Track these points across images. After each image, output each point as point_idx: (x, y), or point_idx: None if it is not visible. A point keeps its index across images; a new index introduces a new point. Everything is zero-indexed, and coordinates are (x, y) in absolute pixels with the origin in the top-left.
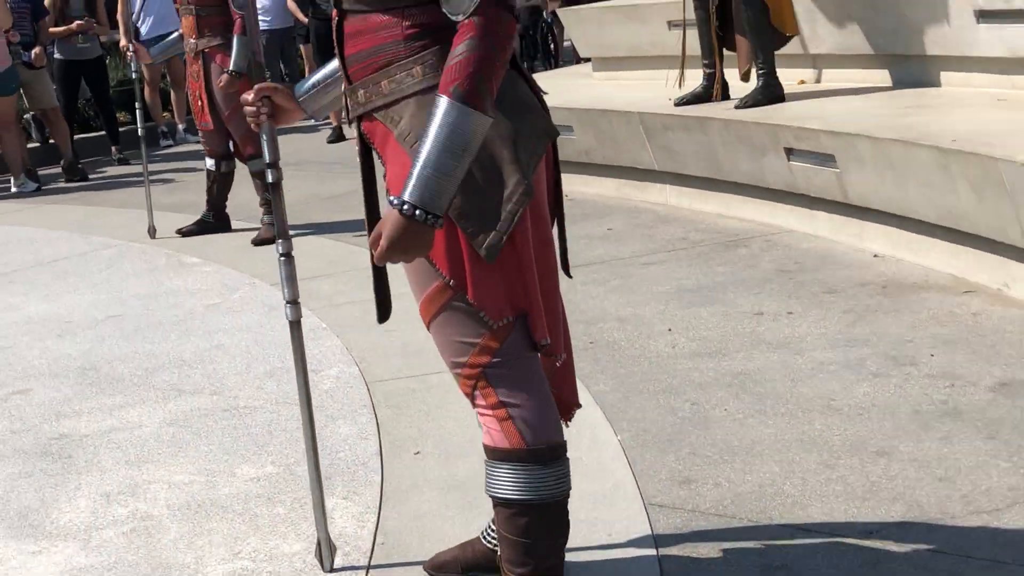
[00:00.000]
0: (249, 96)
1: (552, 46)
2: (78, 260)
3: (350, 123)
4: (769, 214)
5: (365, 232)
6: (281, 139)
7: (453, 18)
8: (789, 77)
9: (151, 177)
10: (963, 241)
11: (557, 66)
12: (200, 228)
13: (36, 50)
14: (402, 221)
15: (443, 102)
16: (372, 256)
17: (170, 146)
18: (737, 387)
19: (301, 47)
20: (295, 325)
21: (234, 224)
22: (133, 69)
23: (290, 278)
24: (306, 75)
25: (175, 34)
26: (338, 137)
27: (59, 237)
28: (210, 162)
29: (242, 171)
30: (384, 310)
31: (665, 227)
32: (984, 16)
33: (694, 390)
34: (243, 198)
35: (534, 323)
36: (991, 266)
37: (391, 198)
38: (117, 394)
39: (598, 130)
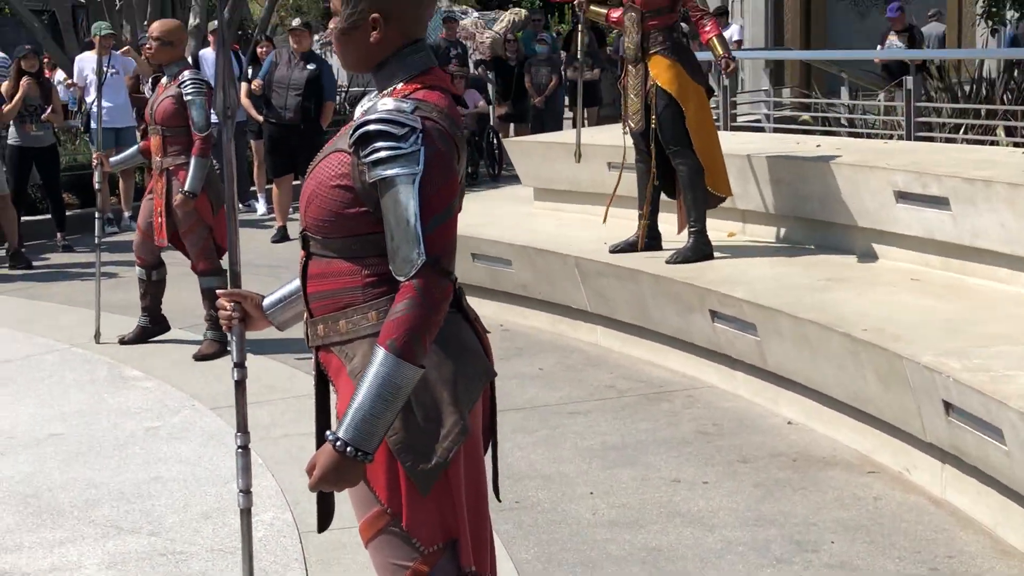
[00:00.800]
0: (223, 297)
1: (497, 152)
2: (21, 364)
3: (309, 346)
4: (694, 367)
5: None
6: None
7: (397, 278)
8: (720, 228)
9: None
10: (870, 422)
11: (500, 171)
12: (140, 336)
13: None
14: (335, 455)
15: (380, 353)
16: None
17: (115, 233)
18: (651, 564)
19: (251, 142)
20: (245, 513)
21: (177, 331)
22: (97, 180)
23: (245, 469)
24: (254, 170)
25: (134, 148)
26: (283, 237)
27: (2, 336)
28: (140, 271)
29: (188, 278)
30: (324, 520)
31: (595, 371)
32: (903, 197)
33: (611, 564)
34: (184, 303)
35: (463, 550)
36: (895, 449)
37: (328, 432)
38: (58, 528)
39: (535, 267)
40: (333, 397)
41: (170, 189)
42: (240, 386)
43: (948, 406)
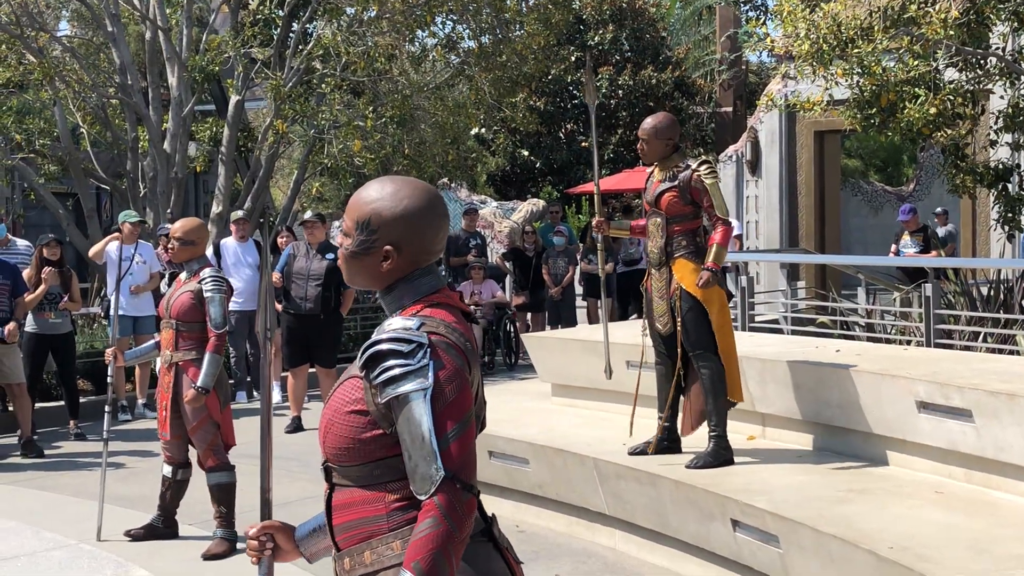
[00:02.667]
0: (252, 531)
1: (514, 341)
2: (27, 562)
3: None
4: None
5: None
6: (237, 424)
7: (418, 497)
8: (740, 431)
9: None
10: None
11: (517, 360)
12: (149, 533)
13: (10, 326)
14: None
15: None
16: None
17: (128, 420)
18: None
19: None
20: None
21: (186, 527)
22: (109, 374)
23: None
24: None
25: (151, 342)
26: (296, 427)
27: (9, 529)
28: (168, 469)
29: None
30: None
31: None
32: (925, 407)
33: None
34: (193, 498)
35: None
36: None
37: None
38: None
39: (553, 467)
40: None
41: (179, 384)
42: None
43: None
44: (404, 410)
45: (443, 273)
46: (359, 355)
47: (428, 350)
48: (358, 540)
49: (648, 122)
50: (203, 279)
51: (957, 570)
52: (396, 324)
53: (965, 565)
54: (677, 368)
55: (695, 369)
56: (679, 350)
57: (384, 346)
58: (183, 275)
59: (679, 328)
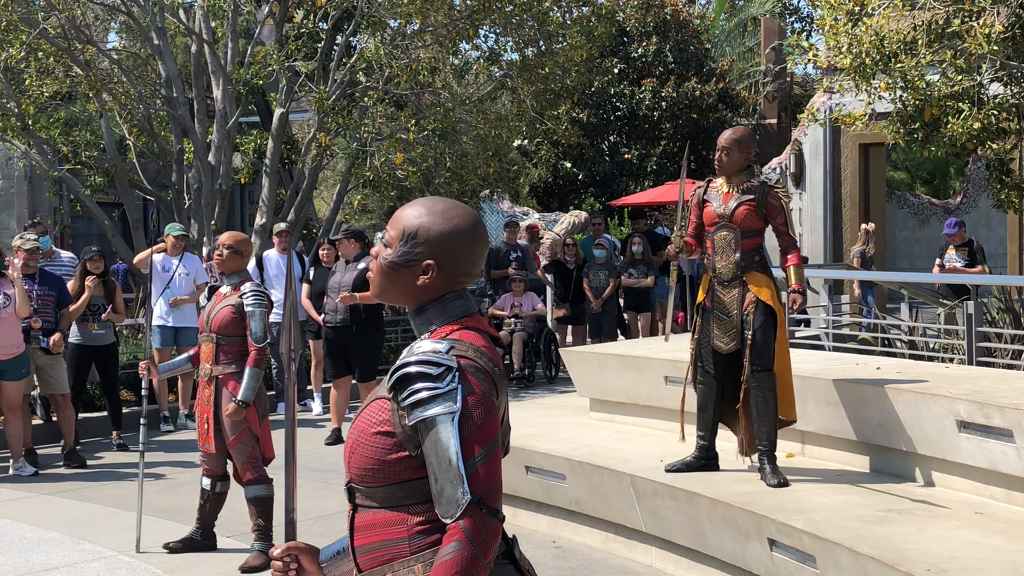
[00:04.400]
0: (277, 552)
1: (554, 355)
2: (67, 573)
3: None
4: None
5: None
6: (276, 435)
7: (444, 520)
8: (779, 448)
9: (146, 470)
10: None
11: (557, 374)
12: (187, 546)
13: (55, 337)
14: None
15: None
16: None
17: (170, 431)
18: None
19: (311, 342)
20: None
21: (224, 539)
22: (144, 387)
23: None
24: (312, 368)
25: (184, 356)
26: (336, 439)
27: (50, 539)
28: (207, 481)
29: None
30: None
31: None
32: (965, 427)
33: None
34: (232, 510)
35: None
36: None
37: None
38: None
39: (590, 483)
40: None
41: (218, 398)
42: None
43: None
44: (431, 433)
45: (484, 285)
46: (388, 376)
47: (457, 374)
48: (379, 563)
49: (729, 134)
50: (244, 293)
51: None
52: (426, 347)
53: None
54: (720, 387)
55: (747, 388)
56: (744, 367)
57: (413, 368)
58: (224, 288)
59: (748, 344)
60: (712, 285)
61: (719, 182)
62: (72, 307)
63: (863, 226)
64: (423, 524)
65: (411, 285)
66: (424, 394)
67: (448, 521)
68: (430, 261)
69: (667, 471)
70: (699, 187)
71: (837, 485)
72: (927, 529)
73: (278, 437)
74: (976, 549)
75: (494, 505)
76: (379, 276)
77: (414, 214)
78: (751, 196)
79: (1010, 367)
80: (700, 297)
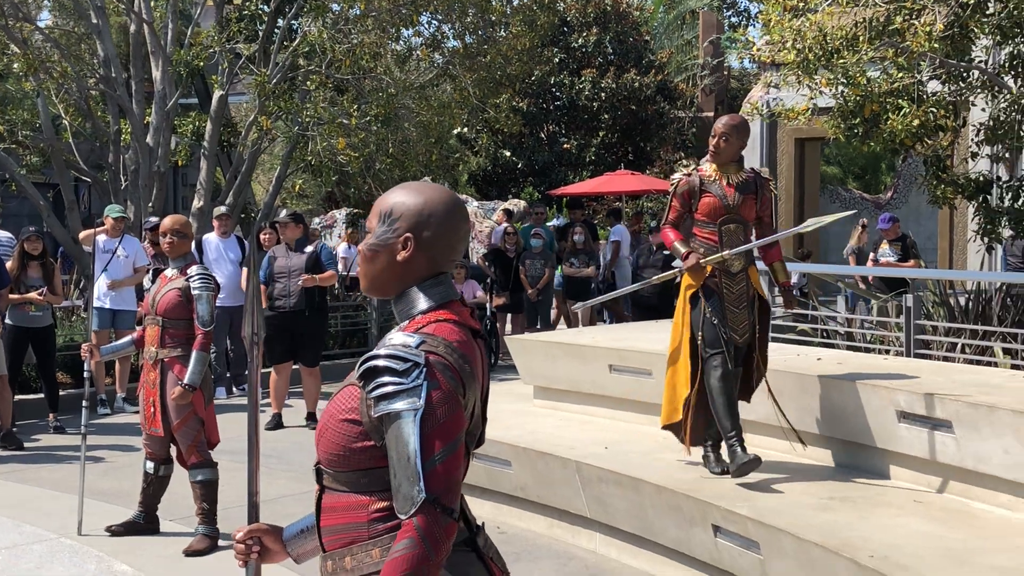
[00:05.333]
0: (239, 534)
1: (495, 341)
2: (7, 555)
3: None
4: None
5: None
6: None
7: (399, 516)
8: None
9: (86, 453)
10: None
11: (497, 360)
12: (129, 529)
13: None
14: None
15: None
16: None
17: (107, 414)
18: None
19: None
20: None
21: (167, 522)
22: (86, 368)
23: None
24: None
25: (128, 338)
26: (277, 424)
27: None
28: (150, 465)
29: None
30: None
31: None
32: (905, 417)
33: None
34: (175, 494)
35: None
36: None
37: None
38: None
39: (535, 469)
40: None
41: (164, 381)
42: None
43: None
44: (393, 428)
45: None
46: (358, 365)
47: (424, 370)
48: (340, 545)
49: (728, 120)
50: (191, 276)
51: None
52: (397, 340)
53: (943, 575)
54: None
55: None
56: (754, 360)
57: (381, 362)
58: (169, 271)
59: (758, 338)
60: (720, 276)
61: (710, 170)
62: (7, 293)
63: (860, 223)
64: (383, 511)
65: (394, 265)
66: (390, 388)
67: (403, 517)
68: (408, 234)
69: (741, 473)
70: (685, 175)
71: (780, 473)
72: (869, 517)
73: (224, 421)
74: (916, 536)
75: (450, 504)
76: (365, 264)
77: (390, 196)
78: (753, 191)
79: (946, 359)
80: (690, 284)
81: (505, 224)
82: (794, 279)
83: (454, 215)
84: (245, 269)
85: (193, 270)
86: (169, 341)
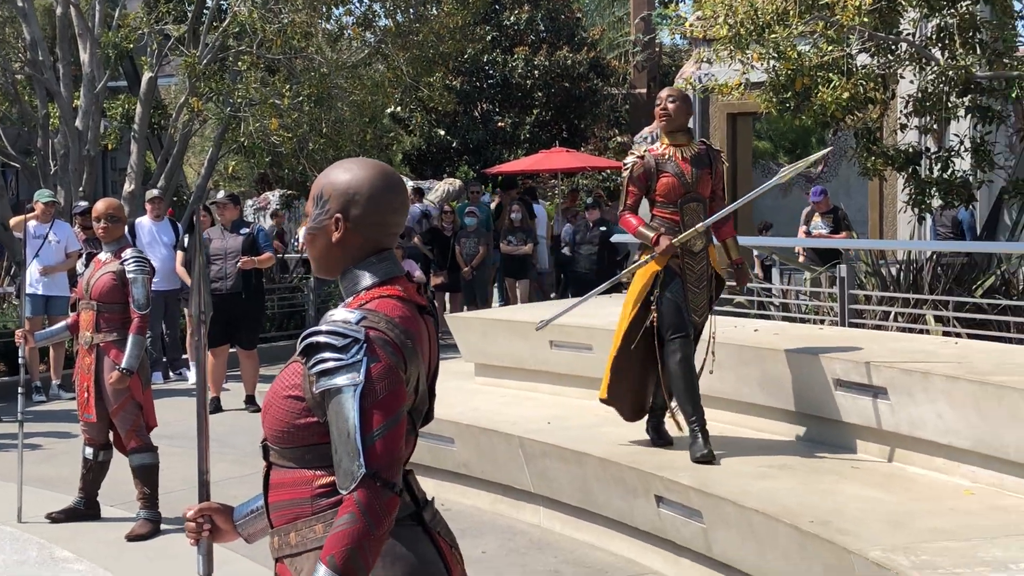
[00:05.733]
0: (190, 512)
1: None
2: None
3: (275, 560)
4: (639, 552)
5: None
6: (154, 404)
7: (340, 491)
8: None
9: (23, 440)
10: None
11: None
12: (70, 516)
13: None
14: None
15: (321, 569)
16: None
17: (43, 402)
18: None
19: (186, 311)
20: None
21: (108, 508)
22: (20, 355)
23: None
24: (187, 338)
25: (62, 324)
26: (215, 408)
27: None
28: (89, 451)
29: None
30: None
31: (539, 555)
32: (842, 385)
33: None
34: (115, 479)
35: None
36: None
37: None
38: None
39: (478, 446)
40: None
41: (100, 366)
42: None
43: None
44: (334, 403)
45: None
46: (299, 341)
47: (364, 346)
48: (286, 521)
49: (669, 88)
50: (125, 259)
51: (875, 544)
52: (337, 316)
53: (882, 539)
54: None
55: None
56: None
57: (321, 338)
58: (103, 255)
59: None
60: (681, 256)
61: (662, 148)
62: None
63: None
64: (326, 487)
65: (331, 247)
66: (330, 364)
67: (344, 493)
68: (337, 215)
69: (697, 462)
70: (639, 157)
71: (720, 443)
72: (809, 483)
73: (162, 405)
74: (855, 501)
75: (390, 479)
76: (309, 248)
77: (321, 178)
78: (709, 166)
79: (879, 328)
80: (654, 267)
81: (423, 205)
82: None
83: (382, 191)
84: (180, 252)
85: (127, 253)
86: (104, 326)
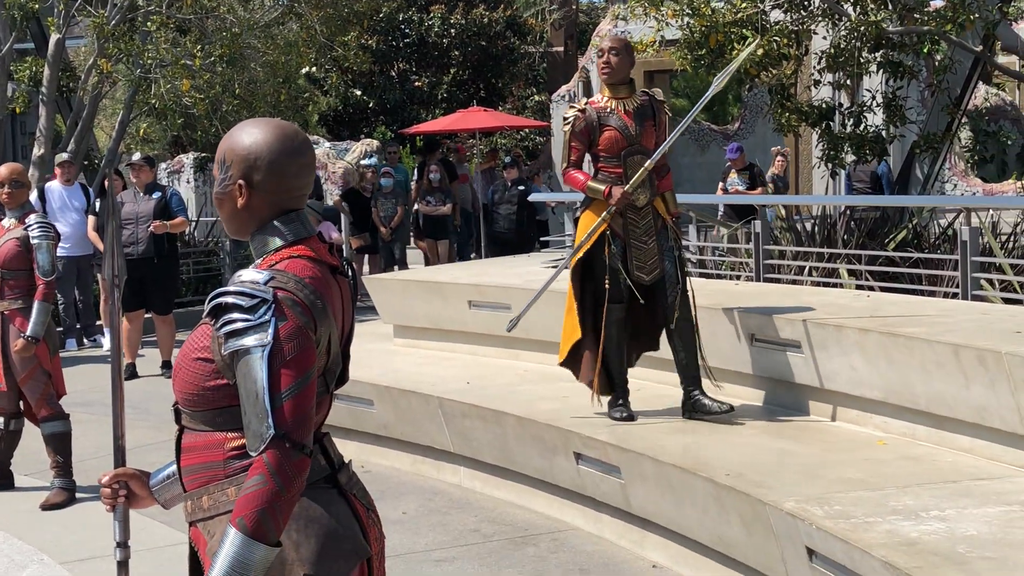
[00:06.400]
0: (105, 478)
1: (354, 282)
2: None
3: (189, 524)
4: (559, 509)
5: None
6: (68, 371)
7: (250, 453)
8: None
9: None
10: (735, 566)
11: (356, 302)
12: None
13: None
14: None
15: (231, 532)
16: None
17: None
18: None
19: (99, 276)
20: None
21: (21, 477)
22: None
23: None
24: (101, 304)
25: None
26: (132, 375)
27: None
28: None
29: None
30: None
31: (459, 514)
32: (757, 340)
33: None
34: (27, 448)
35: None
36: None
37: None
38: None
39: (397, 407)
40: None
41: (5, 334)
42: (123, 567)
43: (811, 553)
44: (242, 364)
45: None
46: (206, 302)
47: (272, 306)
48: (198, 484)
49: (616, 38)
50: (29, 225)
51: (789, 494)
52: (246, 276)
53: (798, 489)
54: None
55: (676, 319)
56: (667, 298)
57: (229, 298)
58: (6, 221)
59: (668, 273)
60: (624, 214)
61: (602, 100)
62: None
63: (782, 151)
64: (238, 449)
65: (237, 211)
66: (238, 324)
67: (253, 454)
68: (240, 181)
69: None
70: (579, 110)
71: (637, 399)
72: (724, 438)
73: (74, 373)
74: (770, 454)
75: (300, 440)
76: (219, 211)
77: (224, 142)
78: (652, 117)
79: (794, 283)
80: (599, 228)
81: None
82: None
83: (283, 155)
84: (92, 217)
85: (32, 219)
86: (9, 293)
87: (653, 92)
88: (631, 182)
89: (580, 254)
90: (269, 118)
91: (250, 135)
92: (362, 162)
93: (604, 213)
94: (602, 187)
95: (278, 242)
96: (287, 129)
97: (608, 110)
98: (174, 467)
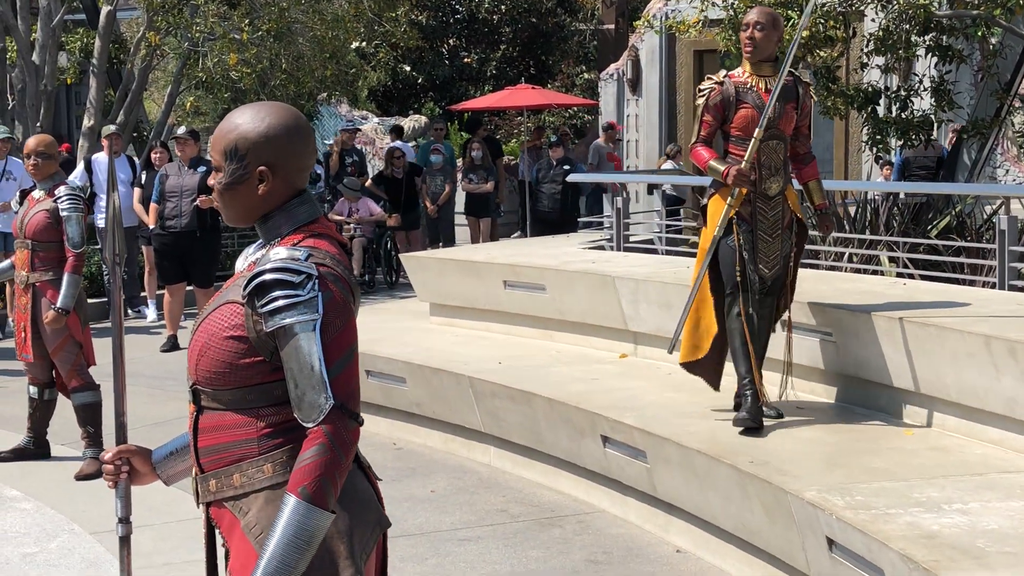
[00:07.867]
0: (108, 455)
1: (395, 260)
2: None
3: (198, 505)
4: (585, 491)
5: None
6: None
7: (304, 424)
8: (612, 349)
9: None
10: (756, 553)
11: (398, 279)
12: (18, 455)
13: None
14: None
15: (291, 501)
16: None
17: (2, 338)
18: None
19: (143, 248)
20: None
21: (57, 447)
22: None
23: None
24: (145, 275)
25: (7, 261)
26: (172, 346)
27: None
28: (33, 390)
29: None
30: None
31: (487, 494)
32: (792, 326)
33: None
34: (65, 417)
35: None
36: None
37: None
38: None
39: (430, 386)
40: (221, 553)
41: (36, 305)
42: (125, 542)
43: (831, 542)
44: (292, 340)
45: (324, 191)
46: (242, 282)
47: (317, 281)
48: (227, 463)
49: (760, 8)
50: (59, 197)
51: (812, 483)
52: (283, 254)
53: (820, 478)
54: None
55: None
56: (785, 297)
57: (271, 276)
58: (36, 193)
59: (791, 271)
60: (753, 201)
61: (743, 75)
62: None
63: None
64: (271, 427)
65: (252, 198)
66: (284, 302)
67: (310, 425)
68: (262, 168)
69: (740, 430)
70: (717, 83)
71: (667, 383)
72: None
73: (102, 344)
74: (796, 442)
75: (354, 410)
76: (221, 201)
77: (228, 129)
78: (795, 100)
79: (832, 269)
80: (729, 212)
81: (394, 143)
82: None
83: (297, 134)
84: (137, 189)
85: (61, 191)
86: (39, 264)
87: (800, 73)
88: (745, 158)
89: (716, 247)
90: (265, 102)
91: (260, 120)
92: (393, 144)
93: (729, 198)
94: (722, 167)
95: (294, 223)
96: (289, 110)
97: (748, 86)
98: (177, 444)
